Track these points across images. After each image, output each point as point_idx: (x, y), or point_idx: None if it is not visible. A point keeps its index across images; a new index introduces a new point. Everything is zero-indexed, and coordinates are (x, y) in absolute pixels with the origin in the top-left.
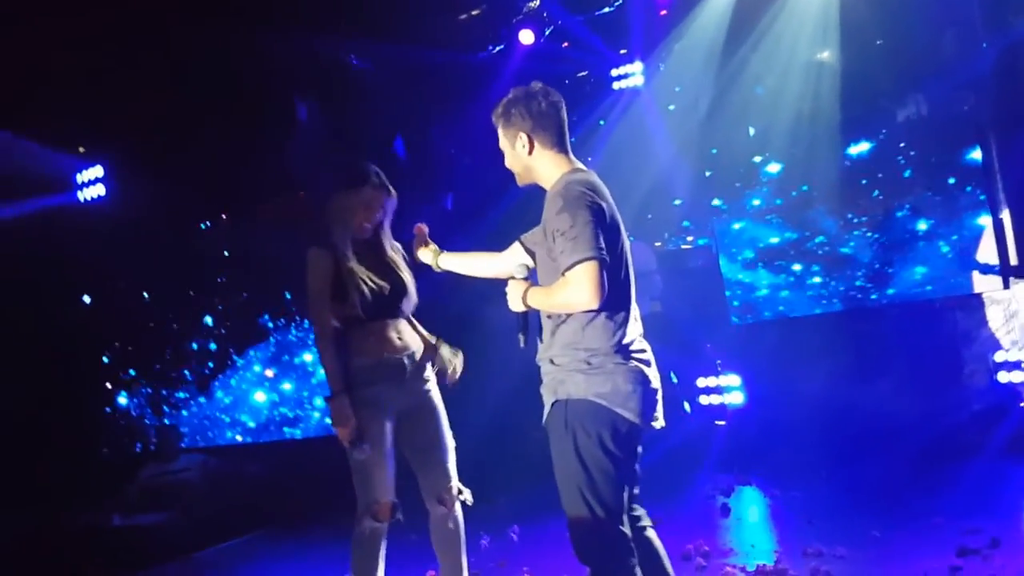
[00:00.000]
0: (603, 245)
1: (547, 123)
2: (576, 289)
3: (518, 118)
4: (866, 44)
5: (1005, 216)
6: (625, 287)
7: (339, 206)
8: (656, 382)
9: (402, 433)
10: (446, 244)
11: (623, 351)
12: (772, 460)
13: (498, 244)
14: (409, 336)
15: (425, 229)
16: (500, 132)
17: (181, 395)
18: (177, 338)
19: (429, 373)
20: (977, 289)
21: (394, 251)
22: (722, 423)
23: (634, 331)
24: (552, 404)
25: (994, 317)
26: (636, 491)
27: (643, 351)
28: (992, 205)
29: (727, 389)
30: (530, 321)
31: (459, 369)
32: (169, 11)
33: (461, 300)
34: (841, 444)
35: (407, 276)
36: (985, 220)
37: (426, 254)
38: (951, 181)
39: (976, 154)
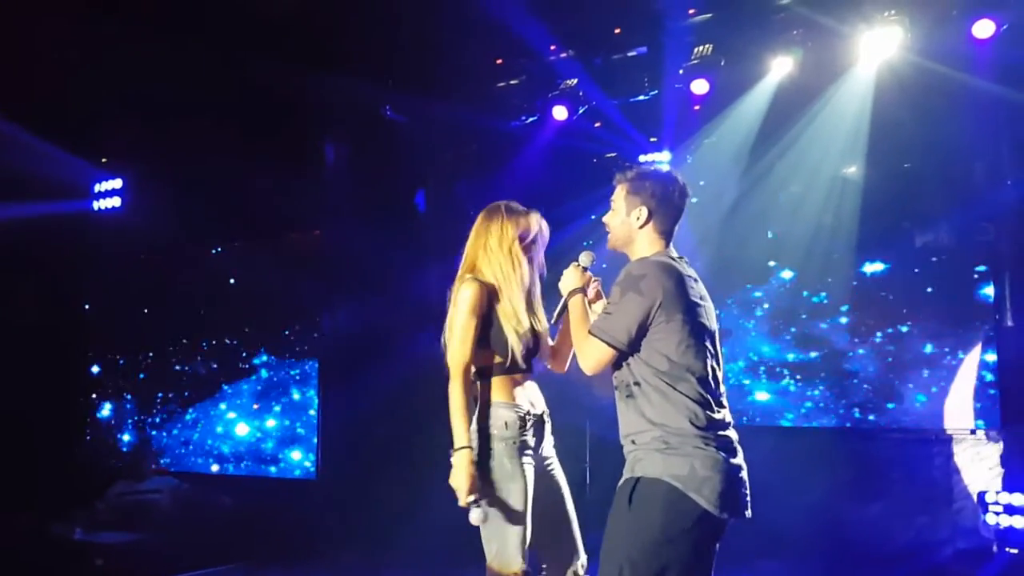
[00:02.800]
0: (630, 335)
1: (669, 211)
2: (583, 353)
3: (647, 192)
4: (893, 166)
5: (1010, 354)
6: (699, 368)
7: (497, 238)
8: (743, 472)
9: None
10: None
11: (703, 434)
12: (753, 569)
13: None
14: (540, 393)
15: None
16: (621, 193)
17: (163, 416)
18: (168, 358)
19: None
20: (974, 425)
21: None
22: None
23: (719, 416)
24: (623, 481)
25: (988, 455)
26: None
27: (727, 438)
28: (999, 342)
29: None
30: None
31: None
32: (210, 39)
33: None
34: (826, 562)
35: (544, 327)
36: (991, 356)
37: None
38: (962, 312)
39: (989, 289)
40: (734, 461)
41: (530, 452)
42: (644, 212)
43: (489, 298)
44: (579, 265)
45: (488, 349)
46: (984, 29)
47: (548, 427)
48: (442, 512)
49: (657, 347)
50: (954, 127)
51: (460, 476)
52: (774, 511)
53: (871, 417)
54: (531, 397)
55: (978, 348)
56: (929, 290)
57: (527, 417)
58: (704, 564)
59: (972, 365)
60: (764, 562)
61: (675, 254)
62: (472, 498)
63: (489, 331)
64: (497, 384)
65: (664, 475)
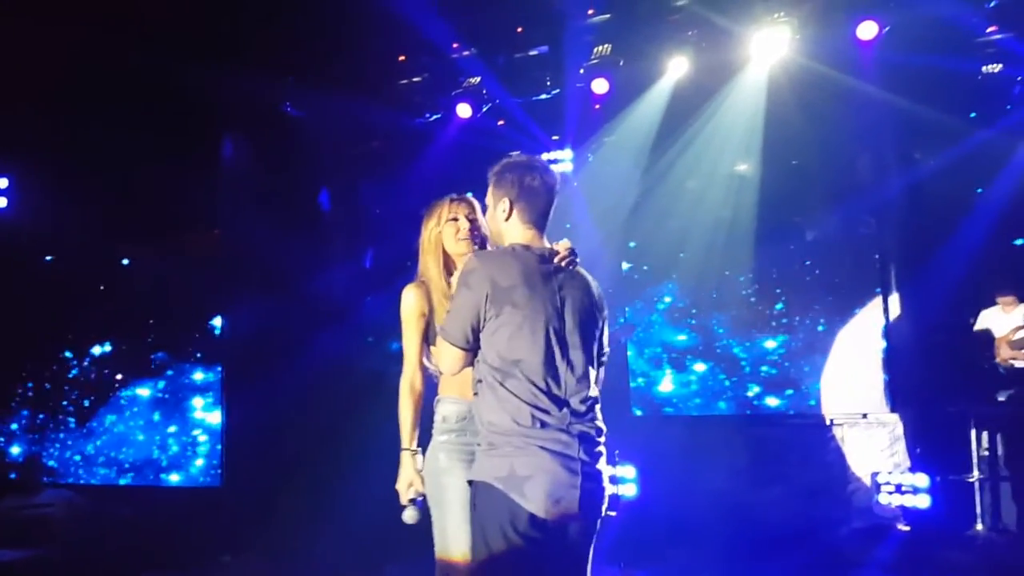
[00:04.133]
0: (465, 332)
1: (531, 200)
2: (440, 356)
3: (507, 184)
4: (785, 163)
5: (896, 339)
6: (527, 363)
7: (424, 237)
8: (578, 471)
9: None
10: (361, 302)
11: (526, 433)
12: (660, 556)
13: None
14: None
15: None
16: (489, 190)
17: (56, 425)
18: (60, 365)
19: None
20: (865, 409)
21: None
22: (613, 514)
23: (555, 414)
24: (468, 483)
25: (879, 438)
26: None
27: (560, 437)
28: (887, 331)
29: (621, 480)
30: None
31: None
32: (103, 29)
33: (372, 359)
34: (730, 547)
35: None
36: (880, 344)
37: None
38: (851, 302)
39: (877, 280)
40: (567, 460)
41: (474, 445)
42: (506, 204)
43: (429, 298)
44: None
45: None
46: (867, 31)
47: None
48: (351, 516)
49: (490, 342)
50: (840, 125)
51: (398, 478)
52: (680, 498)
53: (769, 403)
54: None
55: (868, 336)
56: (820, 281)
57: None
58: (554, 563)
59: (862, 353)
60: (671, 549)
61: (539, 244)
62: (409, 498)
63: (431, 330)
64: (447, 379)
65: (488, 477)
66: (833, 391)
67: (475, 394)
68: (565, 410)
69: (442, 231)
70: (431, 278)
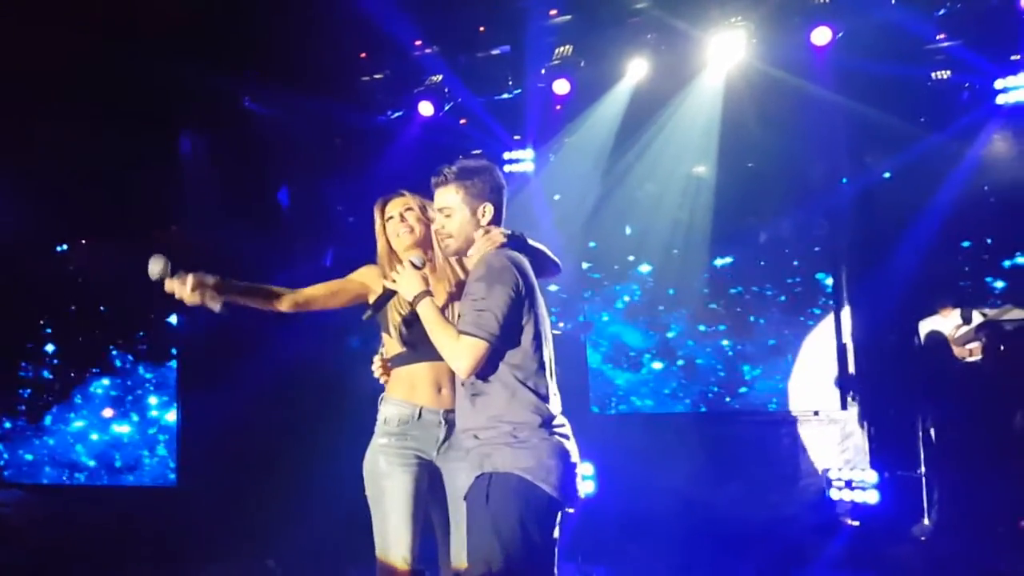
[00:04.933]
0: (501, 329)
1: (502, 198)
2: (459, 354)
3: (487, 188)
4: (740, 166)
5: (848, 339)
6: (544, 361)
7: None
8: (575, 457)
9: (434, 497)
10: None
11: (546, 425)
12: (617, 552)
13: None
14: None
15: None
16: (457, 195)
17: (8, 425)
18: (12, 362)
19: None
20: (817, 407)
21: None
22: (571, 510)
23: (555, 406)
24: (476, 478)
25: (831, 435)
26: None
27: (563, 426)
28: (838, 328)
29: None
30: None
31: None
32: (57, 19)
33: (332, 359)
34: (686, 542)
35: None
36: (831, 343)
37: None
38: (804, 302)
39: (828, 281)
40: (569, 447)
41: (414, 449)
42: (490, 208)
43: (381, 281)
44: (413, 264)
45: (390, 337)
46: (821, 36)
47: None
48: (311, 517)
49: (518, 340)
50: (795, 129)
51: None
52: (639, 495)
53: (726, 401)
54: (435, 393)
55: (819, 335)
56: (774, 282)
57: (416, 414)
58: (552, 547)
59: (814, 351)
60: (629, 544)
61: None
62: (188, 282)
63: (384, 315)
64: (395, 376)
65: (514, 468)
66: (787, 389)
67: (475, 394)
68: (558, 400)
69: (386, 231)
70: (383, 266)
